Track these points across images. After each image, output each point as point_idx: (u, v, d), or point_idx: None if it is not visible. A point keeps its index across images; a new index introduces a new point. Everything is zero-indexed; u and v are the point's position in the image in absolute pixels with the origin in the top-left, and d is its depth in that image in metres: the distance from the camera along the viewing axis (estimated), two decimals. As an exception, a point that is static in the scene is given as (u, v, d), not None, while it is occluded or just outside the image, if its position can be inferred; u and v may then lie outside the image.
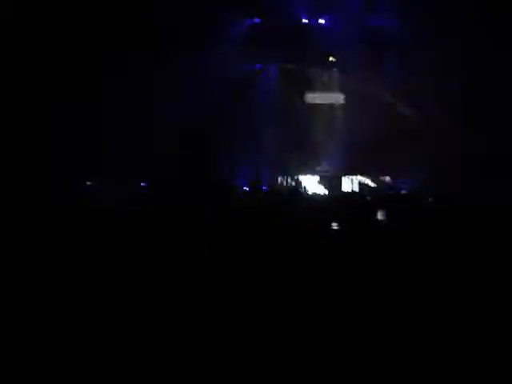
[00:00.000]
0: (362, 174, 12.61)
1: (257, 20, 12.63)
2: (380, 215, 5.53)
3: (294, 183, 11.08)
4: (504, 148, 10.83)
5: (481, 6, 11.04)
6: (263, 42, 12.42)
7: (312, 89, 13.39)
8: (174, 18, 10.79)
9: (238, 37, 12.34)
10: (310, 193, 10.95)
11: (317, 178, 12.40)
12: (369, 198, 7.15)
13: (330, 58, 13.33)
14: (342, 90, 13.73)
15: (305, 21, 12.80)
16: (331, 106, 13.69)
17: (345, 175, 12.60)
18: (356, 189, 12.07)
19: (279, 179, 12.32)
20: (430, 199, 7.13)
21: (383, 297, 2.62)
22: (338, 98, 13.79)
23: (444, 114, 12.17)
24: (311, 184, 12.06)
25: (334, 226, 4.45)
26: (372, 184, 12.15)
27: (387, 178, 12.65)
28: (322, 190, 11.90)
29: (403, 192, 11.76)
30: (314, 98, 13.48)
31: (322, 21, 12.85)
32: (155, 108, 10.43)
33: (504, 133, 10.94)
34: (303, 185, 11.79)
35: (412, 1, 11.84)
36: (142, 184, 9.39)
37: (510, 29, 10.66)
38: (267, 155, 12.07)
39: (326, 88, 13.68)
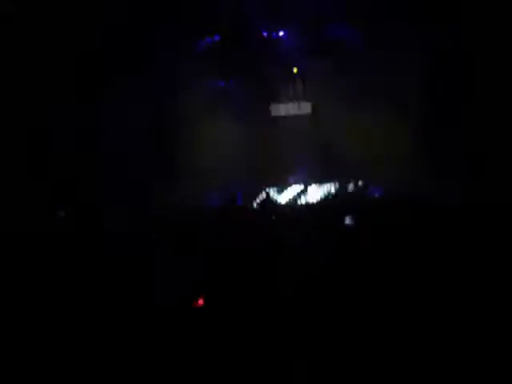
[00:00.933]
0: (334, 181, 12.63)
1: (216, 37, 12.72)
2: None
3: (264, 195, 11.05)
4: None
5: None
6: (225, 58, 12.50)
7: (277, 101, 13.44)
8: (132, 36, 10.83)
9: (198, 54, 12.40)
10: (281, 203, 10.93)
11: (289, 188, 12.38)
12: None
13: (294, 70, 13.41)
14: (308, 100, 13.81)
15: (265, 34, 12.89)
16: (299, 117, 13.74)
17: (317, 183, 12.61)
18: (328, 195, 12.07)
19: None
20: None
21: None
22: (304, 107, 13.86)
23: (410, 119, 12.27)
24: (283, 194, 12.03)
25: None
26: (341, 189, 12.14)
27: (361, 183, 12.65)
28: (294, 200, 11.89)
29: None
30: (279, 109, 13.53)
31: (281, 33, 12.96)
32: (107, 127, 10.41)
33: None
34: (274, 196, 11.78)
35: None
36: None
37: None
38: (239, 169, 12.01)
39: (292, 99, 13.74)
